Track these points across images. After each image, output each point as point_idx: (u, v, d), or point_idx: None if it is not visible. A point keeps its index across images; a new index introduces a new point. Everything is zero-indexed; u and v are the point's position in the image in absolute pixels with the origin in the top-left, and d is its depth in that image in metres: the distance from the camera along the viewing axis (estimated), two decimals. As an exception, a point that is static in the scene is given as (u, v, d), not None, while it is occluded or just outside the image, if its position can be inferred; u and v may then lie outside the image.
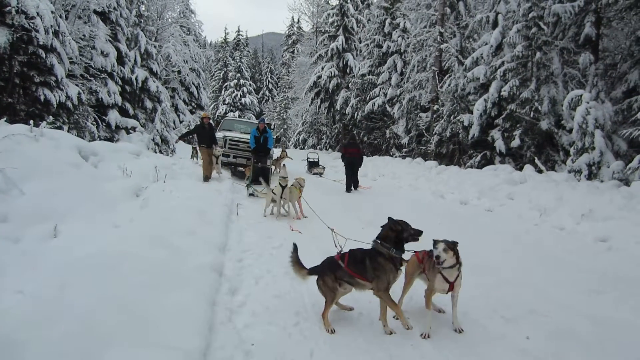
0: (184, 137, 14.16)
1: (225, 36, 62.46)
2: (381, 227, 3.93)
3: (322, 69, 30.00)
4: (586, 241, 6.68)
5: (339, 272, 3.90)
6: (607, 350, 3.38)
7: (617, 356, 3.30)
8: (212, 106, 50.83)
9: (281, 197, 8.48)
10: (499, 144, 13.58)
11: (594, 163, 9.74)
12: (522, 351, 3.37)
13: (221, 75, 54.92)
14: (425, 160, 17.86)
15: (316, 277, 4.07)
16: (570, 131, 11.21)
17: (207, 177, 11.60)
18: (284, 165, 10.24)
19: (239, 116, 44.07)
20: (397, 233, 3.80)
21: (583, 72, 12.25)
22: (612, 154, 9.82)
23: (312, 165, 19.32)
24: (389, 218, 3.94)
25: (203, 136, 11.86)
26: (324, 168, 18.87)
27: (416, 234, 3.82)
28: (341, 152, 14.43)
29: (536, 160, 11.93)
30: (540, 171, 11.41)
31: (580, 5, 11.88)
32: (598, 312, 4.07)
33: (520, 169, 12.09)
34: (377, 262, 3.75)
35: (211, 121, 12.36)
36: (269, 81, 64.96)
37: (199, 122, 12.74)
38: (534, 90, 12.59)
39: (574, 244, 6.54)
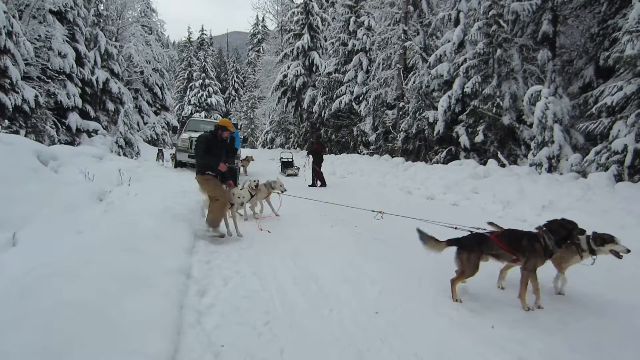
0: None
1: (188, 35, 61.74)
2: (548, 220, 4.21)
3: (288, 67, 29.95)
4: (547, 232, 6.88)
5: (485, 247, 4.16)
6: (567, 334, 3.52)
7: (576, 339, 3.43)
8: (177, 107, 50.04)
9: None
10: (464, 140, 13.87)
11: (553, 156, 10.07)
12: (488, 340, 3.45)
13: (186, 75, 54.11)
14: (393, 157, 18.07)
15: (457, 248, 4.24)
16: (530, 126, 11.54)
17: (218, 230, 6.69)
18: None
19: (205, 117, 43.53)
20: (568, 231, 4.06)
21: (542, 68, 12.64)
22: (570, 147, 10.17)
23: (286, 165, 18.07)
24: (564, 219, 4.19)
25: (214, 155, 6.75)
26: (298, 169, 17.52)
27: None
28: (316, 150, 14.02)
29: (499, 155, 12.24)
30: (503, 165, 11.72)
31: (537, 3, 12.26)
32: (559, 298, 4.23)
33: (484, 163, 12.36)
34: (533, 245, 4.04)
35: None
36: (234, 81, 64.40)
37: (208, 133, 6.88)
38: (496, 86, 12.91)
39: (536, 235, 6.73)
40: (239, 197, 6.91)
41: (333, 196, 10.69)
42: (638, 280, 4.84)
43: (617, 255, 3.95)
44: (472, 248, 4.16)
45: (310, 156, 13.73)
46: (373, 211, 6.97)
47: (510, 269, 4.54)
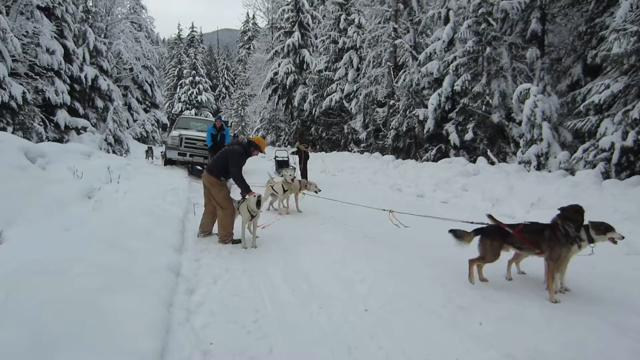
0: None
1: (178, 33, 61.31)
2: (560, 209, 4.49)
3: (279, 65, 29.90)
4: (536, 229, 6.93)
5: (509, 239, 4.47)
6: (555, 330, 3.55)
7: (563, 335, 3.46)
8: (167, 104, 49.71)
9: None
10: (454, 137, 13.91)
11: (542, 154, 10.15)
12: (475, 337, 3.47)
13: (176, 72, 53.79)
14: (383, 155, 18.07)
15: (480, 236, 4.60)
16: (519, 124, 11.62)
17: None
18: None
19: (196, 114, 43.28)
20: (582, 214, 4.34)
21: (530, 67, 12.71)
22: (558, 144, 10.25)
23: (282, 165, 16.73)
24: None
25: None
26: (294, 169, 16.31)
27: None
28: (305, 147, 13.85)
29: (488, 153, 12.30)
30: (492, 163, 11.77)
31: (526, 2, 12.32)
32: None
33: (474, 161, 12.41)
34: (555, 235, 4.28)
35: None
36: (225, 78, 64.08)
37: (241, 148, 6.63)
38: (485, 84, 12.96)
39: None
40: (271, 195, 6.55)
41: (324, 194, 10.68)
42: (624, 276, 4.89)
43: (614, 241, 4.15)
44: (495, 236, 4.50)
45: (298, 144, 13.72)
46: (384, 210, 6.96)
47: (517, 259, 4.85)
